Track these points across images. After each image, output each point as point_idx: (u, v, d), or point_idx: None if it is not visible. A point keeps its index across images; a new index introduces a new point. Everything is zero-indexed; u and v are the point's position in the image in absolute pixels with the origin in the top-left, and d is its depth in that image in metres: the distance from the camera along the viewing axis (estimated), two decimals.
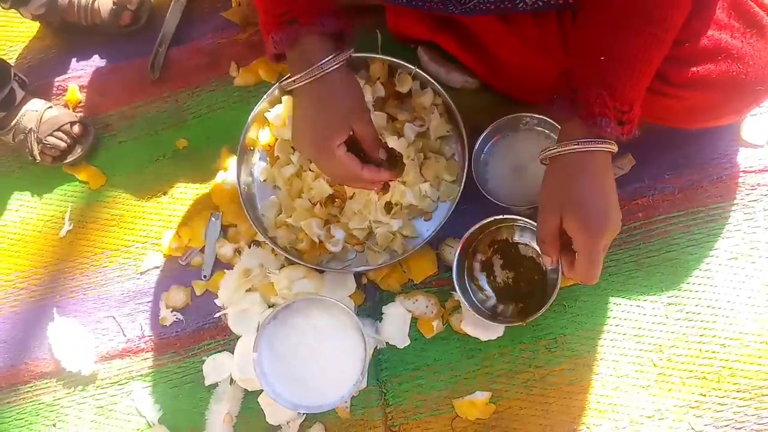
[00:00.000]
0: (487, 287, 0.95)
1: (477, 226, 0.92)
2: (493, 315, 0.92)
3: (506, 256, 0.95)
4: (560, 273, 0.84)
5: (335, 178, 0.89)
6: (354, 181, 0.87)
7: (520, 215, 0.91)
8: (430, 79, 1.00)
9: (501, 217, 0.91)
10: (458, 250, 0.92)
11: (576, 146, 0.71)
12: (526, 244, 0.94)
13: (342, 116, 0.80)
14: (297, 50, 0.78)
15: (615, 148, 0.72)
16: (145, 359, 1.03)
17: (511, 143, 1.00)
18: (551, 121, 0.96)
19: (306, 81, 0.78)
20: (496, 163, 1.00)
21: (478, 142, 0.98)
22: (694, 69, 0.78)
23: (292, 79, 0.80)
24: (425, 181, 0.97)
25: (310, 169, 1.00)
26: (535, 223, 0.81)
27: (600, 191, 0.71)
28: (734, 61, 0.78)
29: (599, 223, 0.71)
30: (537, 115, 0.97)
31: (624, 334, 0.92)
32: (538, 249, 0.90)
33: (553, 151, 0.73)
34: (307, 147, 0.82)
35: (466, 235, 0.92)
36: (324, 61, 0.77)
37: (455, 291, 0.91)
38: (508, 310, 0.93)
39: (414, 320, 0.97)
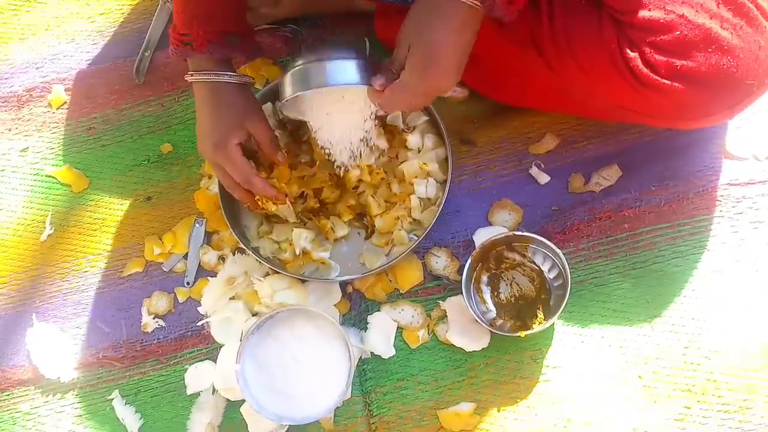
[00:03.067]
0: (489, 301, 0.95)
1: (491, 238, 0.92)
2: (490, 327, 0.92)
3: (515, 274, 0.95)
4: (567, 296, 0.87)
5: (227, 182, 0.93)
6: (245, 185, 0.91)
7: (532, 233, 0.92)
8: None
9: (518, 233, 0.92)
10: (469, 261, 0.92)
11: None
12: (537, 264, 0.94)
13: (237, 117, 0.89)
14: (194, 59, 0.89)
15: (480, 5, 0.71)
16: (126, 366, 1.01)
17: None
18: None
19: (203, 80, 0.88)
20: None
21: None
22: (683, 61, 0.78)
23: (190, 72, 0.89)
24: (428, 176, 0.97)
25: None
26: (551, 244, 0.90)
27: (450, 46, 0.74)
28: (724, 54, 0.77)
29: (430, 72, 0.75)
30: None
31: (609, 346, 0.92)
32: (545, 270, 0.93)
33: None
34: (207, 148, 0.90)
35: (478, 246, 0.92)
36: (223, 72, 0.88)
37: (462, 296, 0.92)
38: (506, 325, 0.93)
39: (399, 330, 0.96)
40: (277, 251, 0.98)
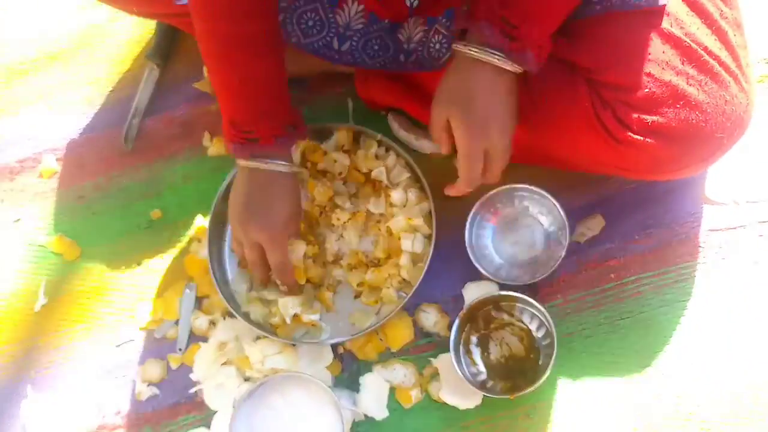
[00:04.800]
0: (480, 362, 0.95)
1: (478, 299, 0.93)
2: (482, 389, 0.92)
3: (503, 334, 0.96)
4: (554, 355, 0.87)
5: (254, 259, 0.94)
6: (279, 273, 0.95)
7: (518, 291, 0.93)
8: (393, 144, 1.01)
9: (503, 293, 0.93)
10: (457, 322, 0.92)
11: (471, 50, 0.75)
12: (525, 323, 0.95)
13: (294, 209, 0.92)
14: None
15: (508, 66, 0.75)
16: None
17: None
18: (542, 191, 0.96)
19: (257, 165, 0.88)
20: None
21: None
22: (654, 117, 0.80)
23: (246, 158, 0.88)
24: (414, 231, 0.98)
25: None
26: (537, 303, 0.91)
27: (487, 99, 0.76)
28: (693, 109, 0.79)
29: (477, 127, 0.76)
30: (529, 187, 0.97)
31: (602, 398, 0.92)
32: (533, 329, 0.94)
33: (455, 46, 0.77)
34: (259, 231, 0.90)
35: (465, 307, 0.93)
36: (279, 162, 0.88)
37: (452, 361, 0.92)
38: (497, 386, 0.93)
39: (392, 390, 0.97)
40: (267, 315, 0.99)
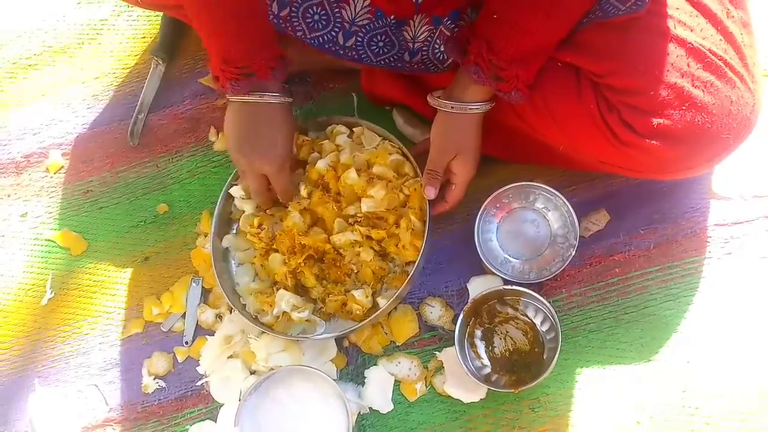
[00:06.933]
0: (484, 356, 0.95)
1: (482, 293, 0.93)
2: (486, 382, 0.92)
3: (508, 328, 0.96)
4: (559, 348, 0.88)
5: (258, 187, 0.97)
6: (289, 197, 1.00)
7: (523, 286, 0.93)
8: (374, 125, 1.01)
9: (508, 287, 0.93)
10: (462, 316, 0.92)
11: (455, 108, 0.88)
12: (529, 317, 0.95)
13: (289, 142, 0.96)
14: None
15: (481, 108, 0.88)
16: (127, 429, 1.02)
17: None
18: (552, 190, 0.96)
19: (255, 99, 0.91)
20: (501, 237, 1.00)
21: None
22: (660, 119, 0.79)
23: (239, 97, 0.90)
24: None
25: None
26: (541, 298, 0.92)
27: (479, 141, 0.92)
28: (698, 111, 0.79)
29: (476, 165, 0.93)
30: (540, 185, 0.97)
31: (606, 392, 0.92)
32: (537, 323, 0.94)
33: (438, 102, 0.90)
34: (264, 160, 0.93)
35: (470, 301, 0.93)
36: (274, 94, 0.91)
37: (456, 355, 0.92)
38: (501, 380, 0.93)
39: (397, 383, 0.97)
40: (260, 313, 0.99)
